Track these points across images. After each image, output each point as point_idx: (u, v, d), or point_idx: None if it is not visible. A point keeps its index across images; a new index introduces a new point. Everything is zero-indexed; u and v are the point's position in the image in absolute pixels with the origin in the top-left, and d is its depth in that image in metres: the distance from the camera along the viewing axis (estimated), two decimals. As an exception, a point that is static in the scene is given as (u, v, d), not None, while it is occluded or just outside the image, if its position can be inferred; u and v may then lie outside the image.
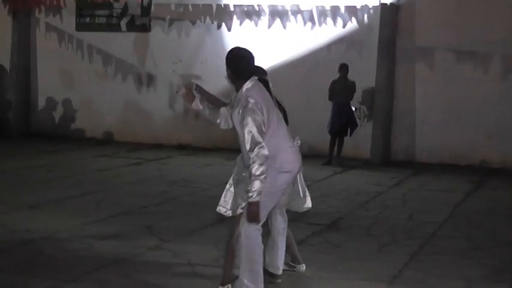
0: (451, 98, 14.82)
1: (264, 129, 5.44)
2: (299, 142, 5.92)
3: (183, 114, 16.60)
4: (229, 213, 5.90)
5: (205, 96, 5.98)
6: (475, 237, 8.53)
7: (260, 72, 5.87)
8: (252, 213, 5.44)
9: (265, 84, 5.86)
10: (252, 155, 5.38)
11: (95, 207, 9.48)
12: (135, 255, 7.17)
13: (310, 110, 15.23)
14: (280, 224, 6.30)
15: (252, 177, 5.36)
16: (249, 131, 5.40)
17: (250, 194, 5.37)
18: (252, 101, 5.45)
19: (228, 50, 5.79)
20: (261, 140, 5.39)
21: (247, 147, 5.42)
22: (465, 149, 14.70)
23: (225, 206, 5.91)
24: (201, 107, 5.83)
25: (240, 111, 5.51)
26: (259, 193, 5.37)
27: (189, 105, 5.88)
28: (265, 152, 5.37)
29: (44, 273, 6.43)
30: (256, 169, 5.35)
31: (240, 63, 5.63)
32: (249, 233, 5.62)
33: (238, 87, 5.64)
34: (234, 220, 5.86)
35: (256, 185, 5.35)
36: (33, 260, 6.89)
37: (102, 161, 13.96)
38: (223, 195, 5.95)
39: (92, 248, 7.37)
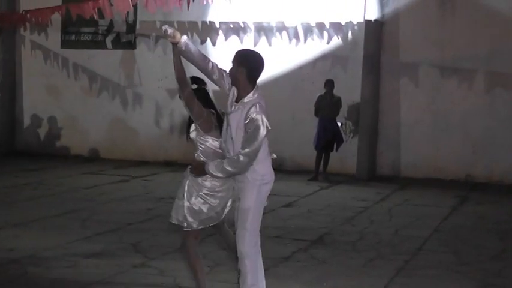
0: (435, 113, 14.89)
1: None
2: (275, 156, 5.77)
3: (169, 131, 16.61)
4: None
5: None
6: (461, 252, 8.54)
7: (201, 82, 5.81)
8: (199, 170, 5.58)
9: (206, 93, 5.81)
10: (242, 157, 5.33)
11: (81, 225, 9.41)
12: (121, 273, 7.13)
13: (296, 126, 15.26)
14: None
15: (227, 165, 5.40)
16: (254, 138, 5.33)
17: (214, 167, 5.45)
18: (263, 116, 5.36)
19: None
20: (257, 153, 5.37)
21: (243, 146, 5.35)
22: (450, 164, 14.75)
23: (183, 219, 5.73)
24: (190, 45, 5.63)
25: (250, 115, 5.33)
26: (216, 174, 5.48)
27: (176, 40, 5.66)
28: (249, 165, 5.39)
29: (28, 292, 6.38)
30: (234, 167, 5.39)
31: (260, 65, 5.54)
32: (252, 256, 5.56)
33: (243, 91, 5.47)
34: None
35: (225, 171, 5.42)
36: (16, 279, 6.82)
37: (88, 178, 13.89)
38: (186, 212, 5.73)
39: (77, 267, 7.31)
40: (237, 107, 5.45)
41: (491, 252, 8.60)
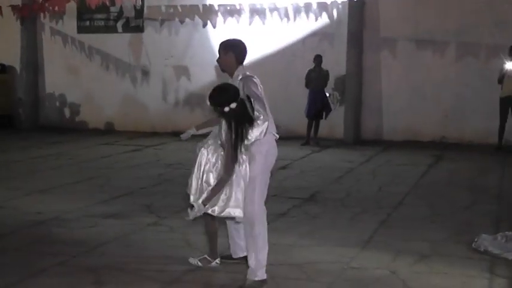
0: (412, 82, 14.88)
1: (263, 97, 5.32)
2: (277, 136, 5.55)
3: (175, 104, 16.61)
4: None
5: (206, 124, 5.88)
6: (436, 205, 8.57)
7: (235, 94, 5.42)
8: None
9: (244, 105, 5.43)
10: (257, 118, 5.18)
11: (99, 190, 9.44)
12: (136, 231, 7.16)
13: (289, 97, 15.23)
14: None
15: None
16: (255, 93, 5.26)
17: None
18: (254, 77, 5.39)
19: (221, 41, 5.63)
20: (265, 106, 5.24)
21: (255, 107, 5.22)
22: (426, 127, 14.79)
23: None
24: (195, 131, 5.82)
25: (241, 82, 5.33)
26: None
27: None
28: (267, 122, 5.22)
29: (54, 250, 6.40)
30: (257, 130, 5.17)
31: (244, 48, 5.54)
32: (262, 218, 5.45)
33: (233, 71, 5.49)
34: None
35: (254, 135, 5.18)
36: (43, 238, 6.87)
37: (104, 148, 13.90)
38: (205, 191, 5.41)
39: (97, 226, 7.34)
40: None
41: (462, 204, 8.64)
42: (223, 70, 5.63)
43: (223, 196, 5.31)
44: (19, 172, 10.99)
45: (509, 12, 14.09)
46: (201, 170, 5.46)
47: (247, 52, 5.58)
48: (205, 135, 5.74)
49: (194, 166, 5.53)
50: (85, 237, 6.88)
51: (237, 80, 5.43)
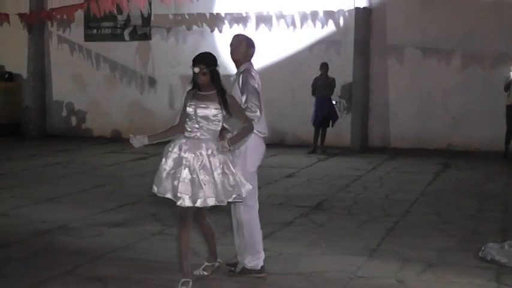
0: (419, 90, 14.89)
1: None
2: (264, 134, 5.79)
3: (179, 112, 16.60)
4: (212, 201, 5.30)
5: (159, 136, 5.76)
6: (443, 213, 8.54)
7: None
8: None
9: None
10: (250, 114, 5.42)
11: (105, 199, 9.43)
12: (142, 239, 7.16)
13: (296, 105, 15.24)
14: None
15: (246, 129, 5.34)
16: (252, 86, 5.52)
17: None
18: (254, 71, 5.68)
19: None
20: (259, 100, 5.52)
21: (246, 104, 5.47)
22: (433, 135, 14.78)
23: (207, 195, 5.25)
24: (146, 141, 5.59)
25: (242, 75, 5.61)
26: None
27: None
28: (258, 114, 5.50)
29: (60, 259, 6.39)
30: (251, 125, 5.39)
31: (254, 45, 5.82)
32: (253, 215, 5.65)
33: (241, 63, 5.72)
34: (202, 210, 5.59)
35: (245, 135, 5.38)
36: (50, 247, 6.86)
37: (111, 156, 13.90)
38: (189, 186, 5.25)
39: (103, 235, 7.34)
40: (233, 77, 5.76)
41: (469, 211, 8.61)
42: (234, 58, 5.80)
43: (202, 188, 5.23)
44: (26, 180, 11.00)
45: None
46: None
47: (255, 49, 5.89)
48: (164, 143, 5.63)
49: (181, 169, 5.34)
50: (91, 246, 6.87)
51: (239, 72, 5.69)
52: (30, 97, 17.76)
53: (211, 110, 5.34)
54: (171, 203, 7.95)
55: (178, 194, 5.26)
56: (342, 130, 14.92)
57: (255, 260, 5.78)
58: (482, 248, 6.53)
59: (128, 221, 8.03)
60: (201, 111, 5.35)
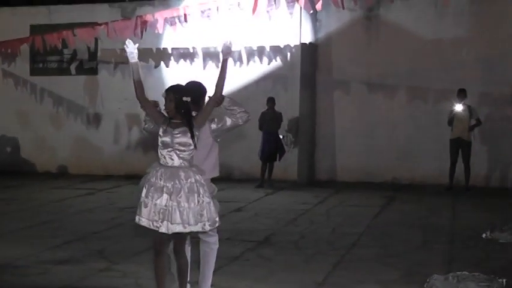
0: (365, 124, 15.11)
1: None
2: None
3: (128, 147, 16.55)
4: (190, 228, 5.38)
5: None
6: (389, 245, 8.65)
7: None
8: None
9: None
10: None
11: (51, 235, 9.27)
12: (88, 277, 7.06)
13: (243, 139, 15.27)
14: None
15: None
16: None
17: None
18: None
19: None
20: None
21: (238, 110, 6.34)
22: (379, 168, 14.98)
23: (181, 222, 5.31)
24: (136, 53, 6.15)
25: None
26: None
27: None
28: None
29: (4, 298, 6.28)
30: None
31: (205, 90, 6.07)
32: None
33: (198, 108, 5.80)
34: (179, 239, 5.59)
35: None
36: (-7, 286, 6.73)
37: (57, 192, 13.69)
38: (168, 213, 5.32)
39: (48, 273, 7.21)
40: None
41: (414, 244, 8.75)
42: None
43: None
44: (-32, 218, 10.76)
45: (457, 57, 14.49)
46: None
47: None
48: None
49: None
50: (36, 285, 6.75)
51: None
52: (-28, 132, 17.44)
53: (185, 138, 5.45)
54: (116, 239, 7.87)
55: (155, 223, 5.32)
56: (289, 164, 15.03)
57: None
58: (428, 280, 6.63)
59: (73, 258, 7.91)
60: (177, 139, 5.45)
